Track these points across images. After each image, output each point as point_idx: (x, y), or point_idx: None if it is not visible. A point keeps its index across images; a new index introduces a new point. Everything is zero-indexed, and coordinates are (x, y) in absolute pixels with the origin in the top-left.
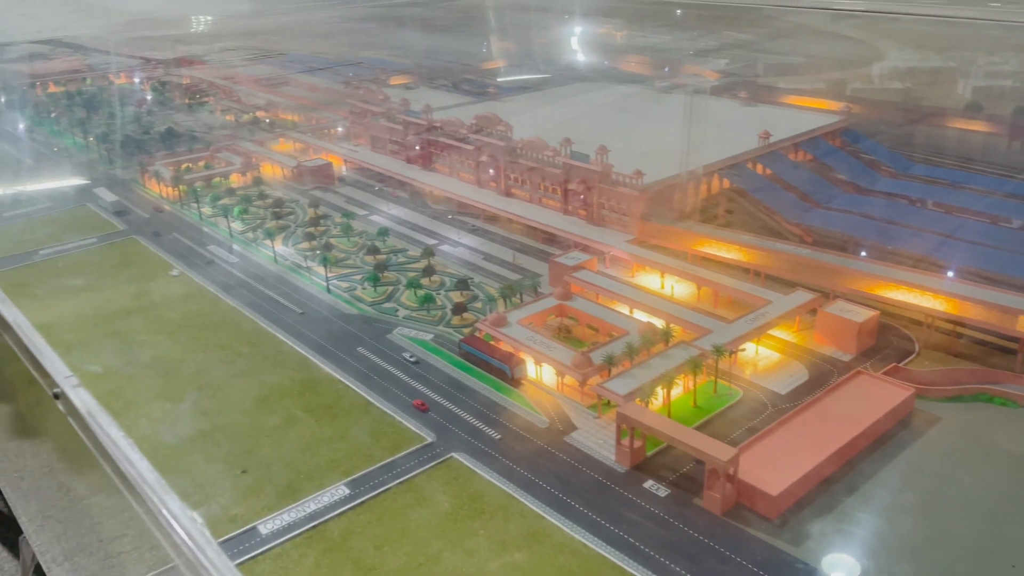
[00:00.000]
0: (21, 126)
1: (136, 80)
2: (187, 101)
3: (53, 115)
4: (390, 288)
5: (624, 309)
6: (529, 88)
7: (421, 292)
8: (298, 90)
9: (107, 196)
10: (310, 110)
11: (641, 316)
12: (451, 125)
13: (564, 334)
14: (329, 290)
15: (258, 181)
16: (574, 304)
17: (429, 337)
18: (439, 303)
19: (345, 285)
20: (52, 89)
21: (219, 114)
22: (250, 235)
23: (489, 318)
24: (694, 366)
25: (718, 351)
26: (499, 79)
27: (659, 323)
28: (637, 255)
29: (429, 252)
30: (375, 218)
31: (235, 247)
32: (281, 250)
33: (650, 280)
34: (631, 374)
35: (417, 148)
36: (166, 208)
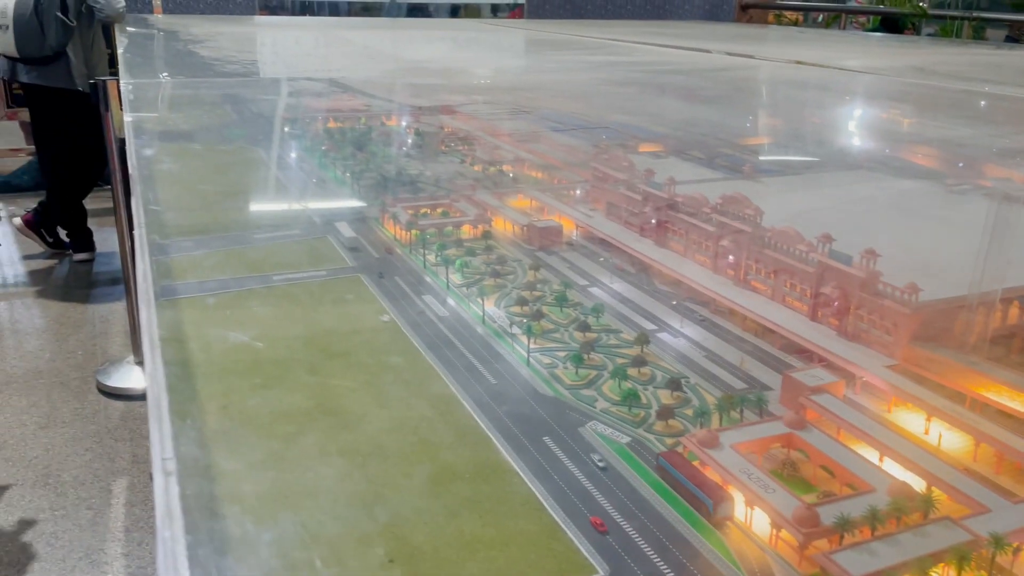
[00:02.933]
0: (294, 155)
1: (403, 124)
2: (442, 148)
3: (324, 148)
4: (593, 373)
5: (871, 454)
6: (790, 171)
7: (626, 385)
8: (546, 147)
9: (346, 231)
10: (554, 169)
11: (893, 469)
12: (694, 202)
13: (788, 472)
14: (529, 363)
15: (487, 235)
16: (807, 435)
17: (625, 440)
18: (644, 400)
19: (547, 361)
20: (331, 125)
21: (468, 164)
22: (465, 290)
23: (697, 434)
24: (960, 557)
25: (997, 543)
26: (758, 157)
27: (917, 483)
28: (898, 386)
29: (643, 339)
30: (594, 290)
31: (449, 300)
32: (491, 310)
33: (911, 421)
34: (871, 549)
35: (652, 222)
36: (396, 251)
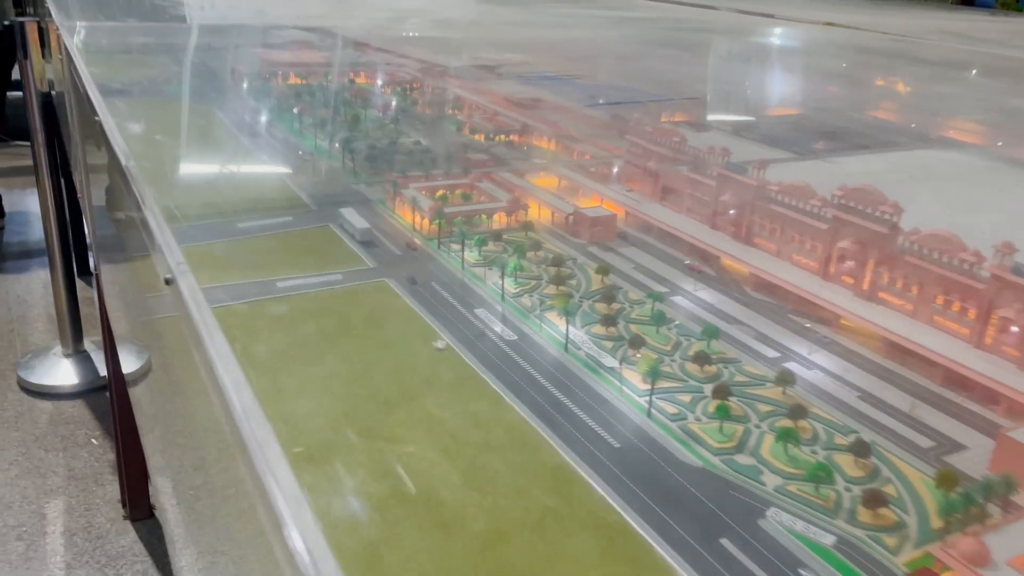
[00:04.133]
0: (263, 119)
1: (379, 82)
2: (429, 111)
3: (296, 111)
4: (739, 428)
5: None
6: (867, 148)
7: (794, 450)
8: (558, 115)
9: (354, 220)
10: (572, 141)
11: None
12: (797, 192)
13: None
14: (650, 413)
15: (527, 226)
16: None
17: (829, 541)
18: (833, 475)
19: (671, 409)
20: (293, 80)
21: (467, 133)
22: (526, 301)
23: (960, 545)
24: None
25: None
26: (823, 133)
27: None
28: None
29: (786, 378)
30: (678, 300)
31: (508, 315)
32: (571, 332)
33: None
34: None
35: (736, 212)
36: (418, 244)
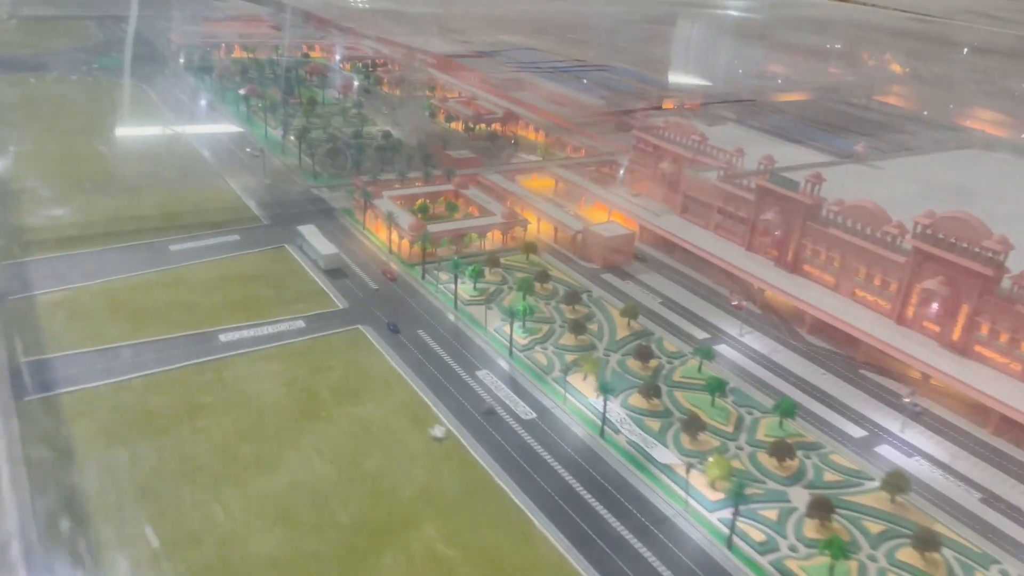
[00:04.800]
0: (203, 102)
1: (337, 58)
2: (397, 92)
3: (242, 92)
4: (852, 566)
5: None
6: (911, 150)
7: None
8: (541, 100)
9: (317, 242)
10: (565, 132)
11: None
12: (865, 215)
13: None
14: (731, 544)
15: (528, 247)
16: None
17: None
18: None
19: (758, 536)
20: (238, 54)
21: (442, 119)
22: (540, 357)
23: None
24: None
25: None
26: (851, 128)
27: None
28: None
29: (898, 483)
30: (724, 350)
31: (519, 378)
32: (599, 403)
33: None
34: None
35: (776, 234)
36: (397, 273)
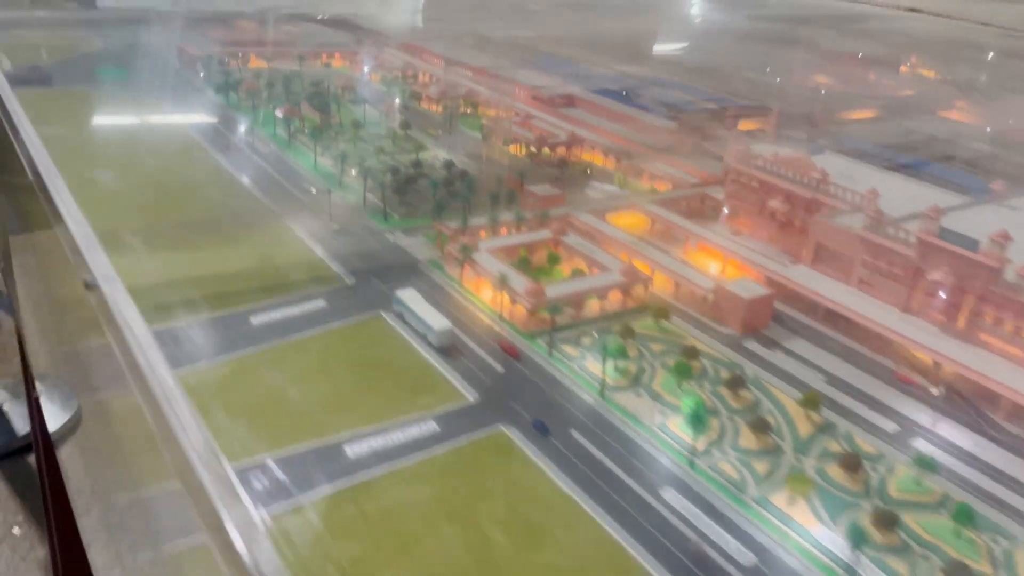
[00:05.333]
0: (242, 129)
1: (365, 69)
2: (436, 108)
3: (279, 114)
4: None
5: None
6: None
7: None
8: (601, 119)
9: (422, 311)
10: (640, 158)
11: None
12: None
13: None
14: None
15: (658, 313)
16: None
17: None
18: None
19: None
20: (254, 63)
21: (499, 143)
22: (728, 470)
23: None
24: None
25: None
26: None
27: None
28: None
29: None
30: (921, 447)
31: (715, 501)
32: (825, 537)
33: None
34: None
35: (942, 295)
36: (518, 350)
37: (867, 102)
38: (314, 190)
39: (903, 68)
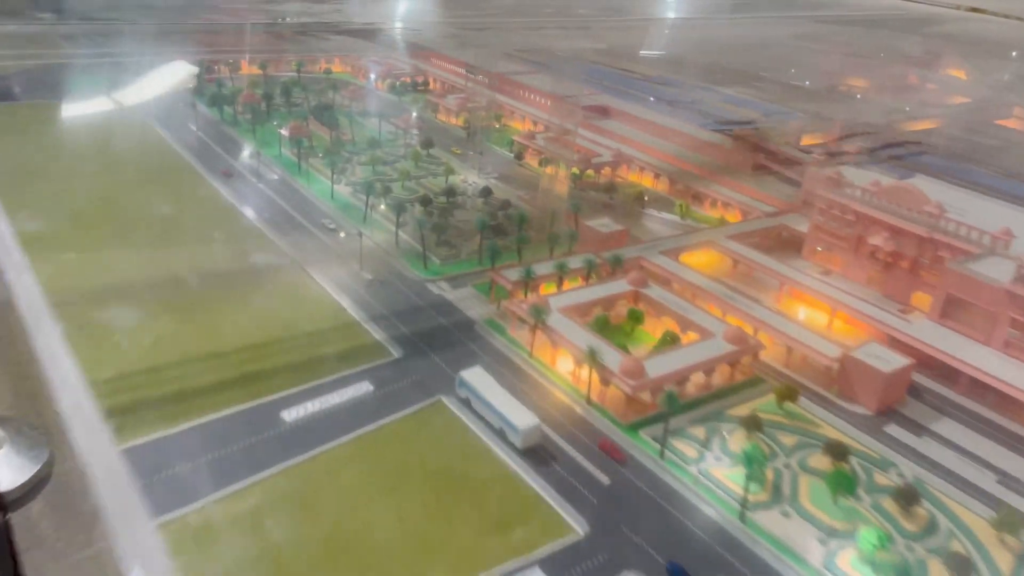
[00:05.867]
0: (243, 151)
1: (372, 76)
2: (457, 121)
3: (284, 133)
4: None
5: None
6: None
7: None
8: (641, 131)
9: (499, 401)
10: (695, 179)
11: None
12: None
13: None
14: None
15: (786, 394)
16: None
17: None
18: None
19: None
20: (245, 69)
21: (534, 164)
22: None
23: None
24: None
25: None
26: None
27: None
28: None
29: None
30: None
31: None
32: None
33: None
34: None
35: None
36: (623, 453)
37: (929, 110)
38: (343, 234)
39: (962, 72)
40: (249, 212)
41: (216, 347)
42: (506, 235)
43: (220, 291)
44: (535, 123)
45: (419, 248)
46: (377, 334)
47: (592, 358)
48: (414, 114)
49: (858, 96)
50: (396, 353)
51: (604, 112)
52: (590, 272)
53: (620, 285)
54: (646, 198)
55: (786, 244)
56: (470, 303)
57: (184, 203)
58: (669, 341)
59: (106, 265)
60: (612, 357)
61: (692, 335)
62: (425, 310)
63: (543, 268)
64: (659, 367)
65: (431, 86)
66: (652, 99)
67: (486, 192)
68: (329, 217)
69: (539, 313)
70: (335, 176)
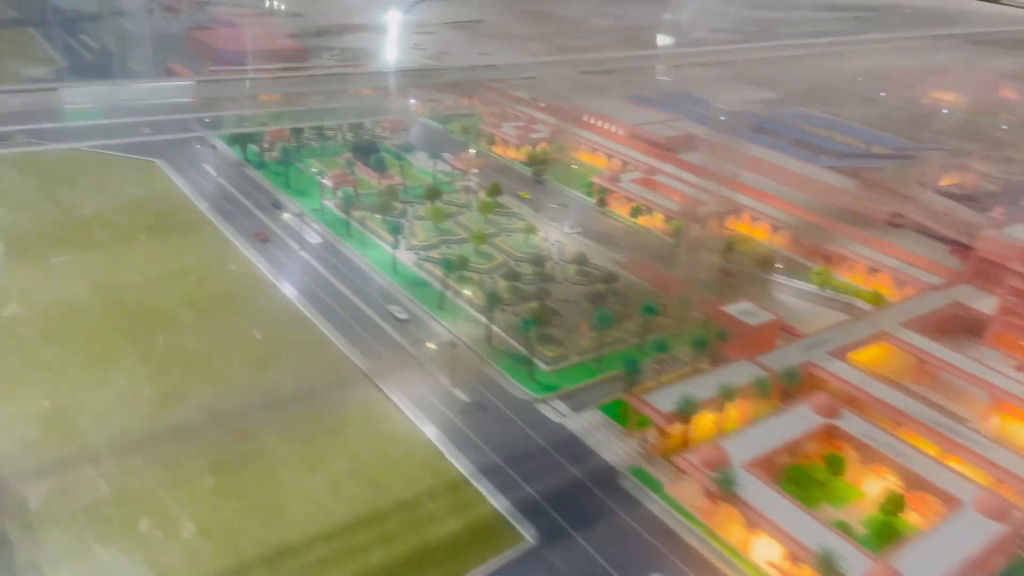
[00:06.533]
0: (278, 206)
1: (411, 101)
2: (517, 156)
3: (327, 183)
4: None
5: None
6: None
7: None
8: (747, 169)
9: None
10: (830, 238)
11: None
12: None
13: None
14: None
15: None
16: None
17: None
18: None
19: None
20: (266, 96)
21: (624, 214)
22: None
23: None
24: None
25: None
26: None
27: None
28: None
29: None
30: None
31: None
32: None
33: None
34: None
35: None
36: None
37: None
38: (432, 345)
39: None
40: (295, 295)
41: (280, 538)
42: (619, 321)
43: (277, 435)
44: (608, 157)
45: (515, 345)
46: (495, 499)
47: (830, 567)
48: (472, 150)
49: (982, 118)
50: (530, 536)
51: (690, 142)
52: (766, 393)
53: (804, 415)
54: (779, 266)
55: (959, 324)
56: (602, 436)
57: (210, 284)
58: (892, 509)
59: (115, 399)
60: (852, 559)
61: (925, 499)
62: (548, 454)
63: (694, 386)
64: (912, 566)
65: (480, 111)
66: (755, 127)
67: (582, 260)
68: (395, 300)
69: (728, 483)
70: (396, 240)
